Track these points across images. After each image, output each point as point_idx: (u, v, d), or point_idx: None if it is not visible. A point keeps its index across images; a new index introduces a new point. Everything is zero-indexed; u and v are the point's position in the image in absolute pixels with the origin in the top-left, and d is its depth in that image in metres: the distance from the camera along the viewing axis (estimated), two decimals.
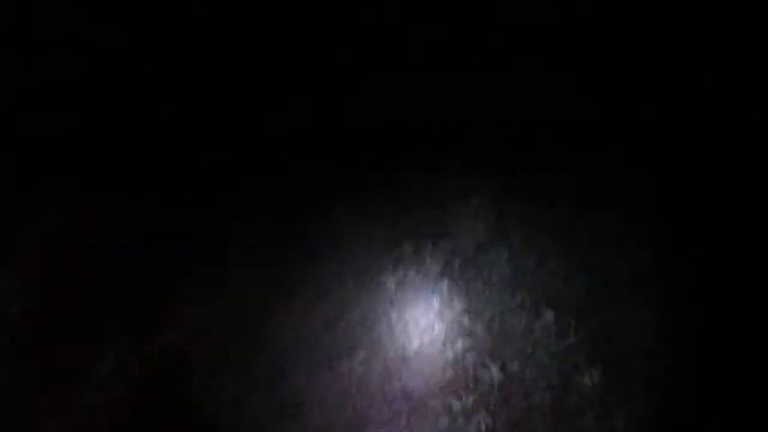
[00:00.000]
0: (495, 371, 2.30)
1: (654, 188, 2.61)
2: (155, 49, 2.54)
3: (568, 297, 2.40)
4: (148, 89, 2.67)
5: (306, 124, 2.82)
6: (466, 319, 2.41)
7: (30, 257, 2.62)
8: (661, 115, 2.63)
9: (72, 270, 2.60)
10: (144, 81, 2.63)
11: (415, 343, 2.38)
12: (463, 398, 2.25)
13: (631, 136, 2.67)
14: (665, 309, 2.36)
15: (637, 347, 2.31)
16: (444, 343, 2.38)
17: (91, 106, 2.65)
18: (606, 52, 2.60)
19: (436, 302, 2.47)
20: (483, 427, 2.22)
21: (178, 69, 2.63)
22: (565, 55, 2.63)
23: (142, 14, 2.39)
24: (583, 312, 2.38)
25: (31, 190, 2.71)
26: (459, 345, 2.36)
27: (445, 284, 2.50)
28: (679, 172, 2.59)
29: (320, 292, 2.56)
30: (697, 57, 2.53)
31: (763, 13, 2.37)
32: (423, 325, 2.43)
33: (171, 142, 2.80)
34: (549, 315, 2.37)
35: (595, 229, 2.55)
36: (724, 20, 2.43)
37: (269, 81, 2.74)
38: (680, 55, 2.55)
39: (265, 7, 2.47)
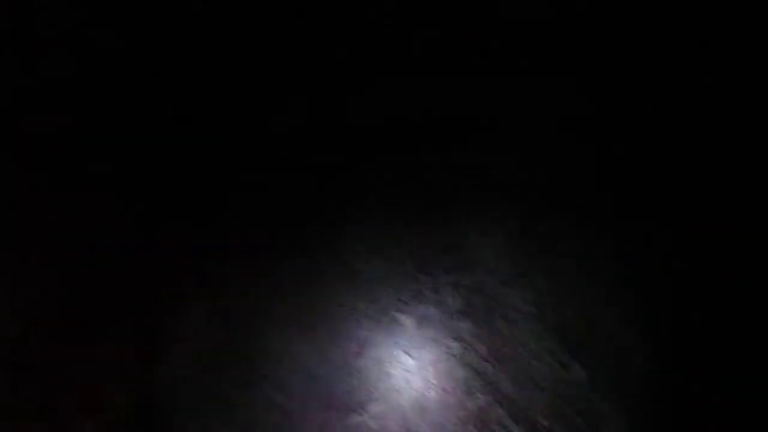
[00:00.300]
0: (521, 430, 2.13)
1: (655, 188, 2.60)
2: (155, 49, 2.54)
3: (596, 342, 2.23)
4: (148, 89, 2.67)
5: (306, 124, 2.82)
6: (489, 367, 2.26)
7: (29, 258, 2.62)
8: (661, 115, 2.63)
9: (72, 270, 2.60)
10: (144, 81, 2.63)
11: (433, 393, 2.22)
12: None
13: (631, 136, 2.67)
14: (698, 355, 2.19)
15: (669, 401, 2.15)
16: (465, 394, 2.20)
17: (91, 106, 2.65)
18: (606, 52, 2.60)
19: (456, 346, 2.32)
20: None
21: (178, 69, 2.63)
22: (565, 55, 2.63)
23: (142, 14, 2.39)
24: (613, 361, 2.21)
25: (30, 190, 2.71)
26: (481, 397, 2.19)
27: (466, 325, 2.32)
28: (679, 173, 2.59)
29: (332, 329, 2.38)
30: (697, 57, 2.53)
31: (763, 13, 2.37)
32: (442, 371, 2.29)
33: (171, 142, 2.80)
34: (577, 365, 2.20)
35: (614, 255, 2.42)
36: (724, 20, 2.43)
37: (269, 81, 2.74)
38: (680, 55, 2.55)
39: (265, 7, 2.47)
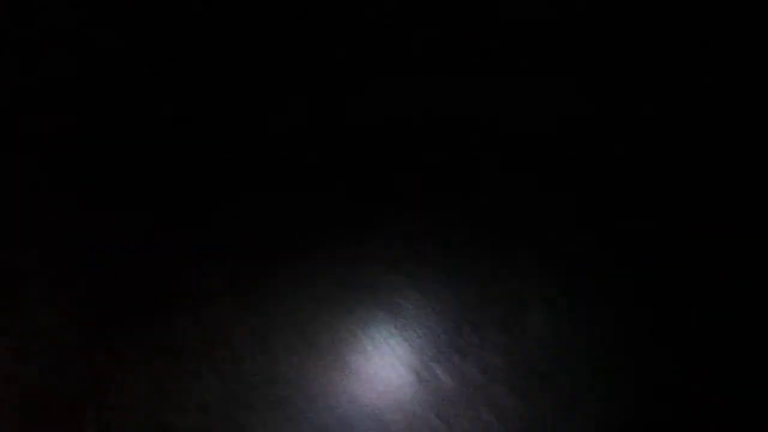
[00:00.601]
0: None
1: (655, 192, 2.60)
2: (155, 49, 2.54)
3: None
4: (148, 89, 2.67)
5: (306, 124, 2.82)
6: None
7: (30, 258, 2.62)
8: (661, 115, 2.63)
9: (72, 271, 2.60)
10: (144, 81, 2.63)
11: None
12: None
13: (631, 136, 2.67)
14: None
15: None
16: None
17: (91, 106, 2.65)
18: (606, 52, 2.60)
19: (490, 418, 1.97)
20: None
21: (178, 69, 2.63)
22: (565, 55, 2.63)
23: (142, 14, 2.39)
24: None
25: (31, 190, 2.71)
26: None
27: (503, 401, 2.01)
28: (679, 173, 2.59)
29: (341, 363, 2.17)
30: (697, 57, 2.53)
31: (763, 13, 2.36)
32: None
33: (171, 142, 2.80)
34: None
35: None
36: (724, 20, 2.43)
37: (269, 81, 2.74)
38: (680, 55, 2.55)
39: (265, 7, 2.47)
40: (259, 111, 2.83)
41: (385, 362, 2.17)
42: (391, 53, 2.67)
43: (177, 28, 2.48)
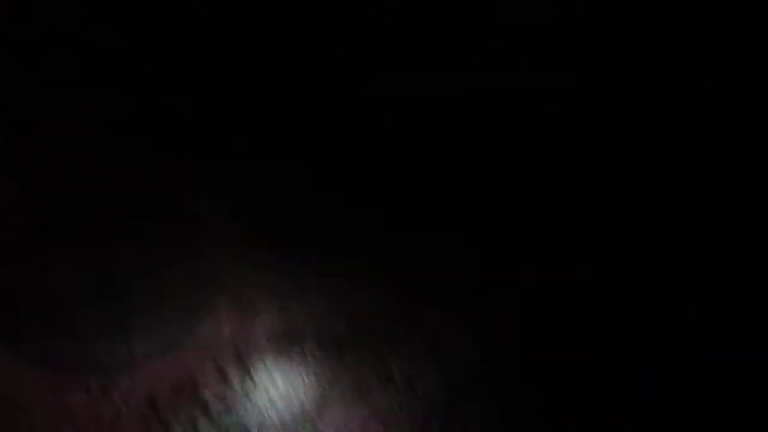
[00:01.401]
0: None
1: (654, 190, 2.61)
2: (155, 49, 2.54)
3: None
4: (148, 89, 2.67)
5: (305, 124, 2.82)
6: None
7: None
8: (660, 115, 2.63)
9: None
10: (144, 81, 2.63)
11: None
12: None
13: (630, 135, 2.67)
14: None
15: None
16: None
17: (91, 107, 2.65)
18: (606, 52, 2.60)
19: None
20: None
21: (178, 69, 2.63)
22: (565, 55, 2.63)
23: (142, 14, 2.39)
24: None
25: (31, 192, 2.72)
26: None
27: None
28: (679, 174, 2.60)
29: None
30: (697, 57, 2.53)
31: (763, 13, 2.37)
32: None
33: (170, 143, 2.80)
34: None
35: None
36: (724, 20, 2.43)
37: (269, 81, 2.74)
38: (680, 55, 2.55)
39: (265, 7, 2.47)
40: (259, 111, 2.83)
41: None
42: (391, 53, 2.67)
43: (177, 28, 2.48)
